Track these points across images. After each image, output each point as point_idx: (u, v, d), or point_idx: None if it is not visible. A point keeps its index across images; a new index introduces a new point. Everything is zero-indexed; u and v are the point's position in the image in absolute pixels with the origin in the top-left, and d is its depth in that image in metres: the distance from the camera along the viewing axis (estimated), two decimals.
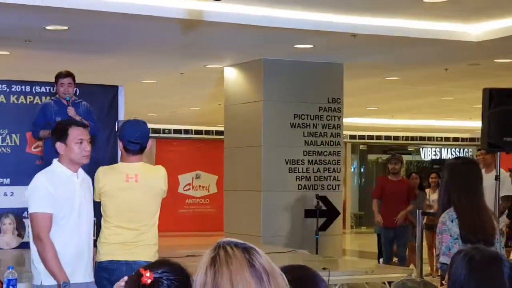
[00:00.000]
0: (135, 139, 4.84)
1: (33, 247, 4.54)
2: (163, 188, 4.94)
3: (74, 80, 7.35)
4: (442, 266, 4.38)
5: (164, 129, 19.66)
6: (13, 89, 8.22)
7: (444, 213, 4.39)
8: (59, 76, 7.33)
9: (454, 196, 4.38)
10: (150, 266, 2.31)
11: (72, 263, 4.50)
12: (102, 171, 4.93)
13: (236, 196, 10.32)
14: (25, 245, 4.75)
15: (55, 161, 4.56)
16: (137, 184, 4.83)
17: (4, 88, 8.19)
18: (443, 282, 4.63)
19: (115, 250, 4.78)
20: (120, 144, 4.90)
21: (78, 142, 4.51)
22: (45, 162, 7.30)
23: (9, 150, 8.06)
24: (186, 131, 19.99)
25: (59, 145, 4.52)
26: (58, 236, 4.42)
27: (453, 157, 22.17)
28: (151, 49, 9.48)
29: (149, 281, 2.24)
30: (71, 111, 7.19)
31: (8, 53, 9.58)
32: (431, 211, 9.98)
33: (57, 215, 4.44)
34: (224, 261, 1.87)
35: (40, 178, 4.50)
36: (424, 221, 9.57)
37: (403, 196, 9.93)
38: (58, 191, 4.44)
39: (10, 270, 4.09)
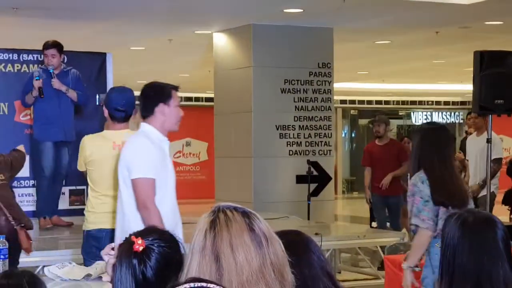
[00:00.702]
0: (121, 107, 4.79)
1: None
2: None
3: (60, 50, 7.28)
4: (412, 227, 4.41)
5: None
6: (0, 58, 8.13)
7: (415, 175, 4.41)
8: (43, 46, 7.29)
9: (426, 162, 4.39)
10: (140, 233, 2.29)
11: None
12: (89, 139, 4.91)
13: (227, 163, 10.30)
14: None
15: (146, 125, 4.27)
16: None
17: None
18: (411, 243, 4.66)
19: (103, 218, 4.78)
20: (105, 111, 4.85)
21: (178, 105, 4.34)
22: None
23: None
24: None
25: (162, 107, 4.23)
26: (158, 205, 4.18)
27: (444, 121, 22.27)
28: (139, 15, 9.39)
29: (141, 248, 2.22)
30: (55, 83, 7.19)
31: None
32: None
33: (156, 182, 4.20)
34: (224, 224, 1.85)
35: (144, 142, 4.22)
36: None
37: (393, 160, 9.05)
38: (157, 157, 4.24)
39: (1, 239, 4.07)
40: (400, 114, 22.85)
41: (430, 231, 4.26)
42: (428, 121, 21.14)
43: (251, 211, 1.92)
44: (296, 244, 2.37)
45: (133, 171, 4.15)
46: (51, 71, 7.20)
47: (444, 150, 4.44)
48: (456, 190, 4.36)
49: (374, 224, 9.83)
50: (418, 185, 4.36)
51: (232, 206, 1.91)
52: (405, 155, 8.98)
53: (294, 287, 1.90)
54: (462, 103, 22.15)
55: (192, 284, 1.43)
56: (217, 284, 1.46)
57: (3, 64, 8.13)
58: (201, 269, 1.81)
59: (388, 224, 9.18)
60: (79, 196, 7.92)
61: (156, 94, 4.30)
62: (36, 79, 7.15)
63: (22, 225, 5.23)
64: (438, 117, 22.82)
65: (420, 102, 22.41)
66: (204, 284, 1.44)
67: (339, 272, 7.79)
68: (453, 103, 22.60)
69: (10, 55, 8.17)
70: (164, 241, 2.28)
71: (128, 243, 2.25)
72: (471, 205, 4.48)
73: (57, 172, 7.37)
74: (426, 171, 4.36)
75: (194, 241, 1.87)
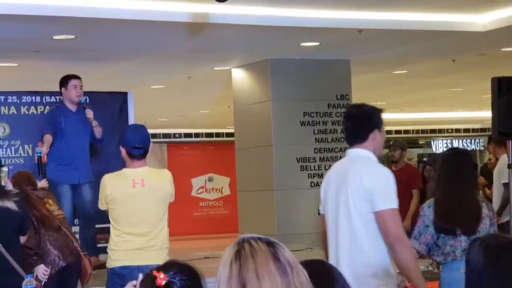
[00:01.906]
0: (138, 144, 4.84)
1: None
2: (170, 191, 4.95)
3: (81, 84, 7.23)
4: (437, 258, 4.48)
5: (174, 134, 19.68)
6: (23, 100, 8.26)
7: (427, 200, 4.48)
8: (69, 78, 7.16)
9: (438, 185, 4.44)
10: (161, 268, 2.32)
11: None
12: (108, 178, 4.94)
13: (250, 196, 10.34)
14: None
15: (365, 150, 3.95)
16: (144, 188, 4.84)
17: (14, 99, 8.23)
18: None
19: (126, 256, 4.81)
20: (123, 151, 4.88)
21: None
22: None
23: (22, 161, 8.10)
24: (197, 135, 20.01)
25: (375, 133, 3.95)
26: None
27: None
28: (158, 55, 9.51)
29: (163, 282, 2.25)
30: (89, 113, 7.04)
31: (17, 64, 9.64)
32: None
33: None
34: (250, 254, 1.89)
35: (387, 170, 3.94)
36: None
37: (404, 186, 8.57)
38: None
39: (29, 278, 4.12)
40: (420, 143, 22.79)
41: (416, 253, 4.26)
42: (450, 147, 21.08)
43: (275, 241, 1.95)
44: (321, 273, 2.40)
45: (380, 201, 3.78)
46: (82, 101, 7.06)
47: (462, 175, 4.47)
48: (460, 215, 4.37)
49: None
50: (424, 209, 4.47)
51: (256, 237, 1.94)
52: (415, 182, 8.84)
53: None
54: (482, 130, 22.06)
55: None
56: None
57: (26, 107, 8.26)
58: None
59: None
60: (104, 234, 7.95)
61: (371, 119, 4.00)
62: (81, 103, 7.03)
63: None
64: (458, 145, 22.71)
65: (440, 131, 22.35)
66: None
67: None
68: (473, 130, 22.52)
69: (33, 97, 8.30)
70: (186, 275, 2.31)
71: (150, 277, 2.28)
72: (485, 229, 4.47)
73: (83, 212, 7.21)
74: (435, 195, 4.43)
75: (220, 272, 1.90)
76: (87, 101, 7.29)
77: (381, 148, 4.03)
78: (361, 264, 3.79)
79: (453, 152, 4.76)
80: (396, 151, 8.99)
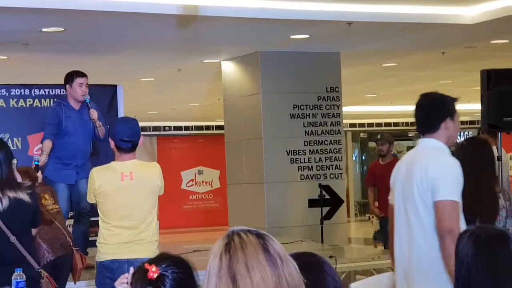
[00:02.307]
0: (127, 137, 4.82)
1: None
2: (159, 184, 4.94)
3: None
4: None
5: (164, 127, 19.66)
6: (12, 93, 8.24)
7: None
8: (75, 74, 6.96)
9: None
10: (153, 260, 2.32)
11: None
12: (97, 172, 4.94)
13: (240, 189, 10.34)
14: None
15: (435, 140, 3.91)
16: (133, 181, 4.83)
17: (3, 92, 8.21)
18: None
19: (116, 249, 4.81)
20: (112, 143, 4.87)
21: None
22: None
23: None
24: (187, 128, 19.99)
25: (448, 122, 3.91)
26: None
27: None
28: (148, 47, 9.49)
29: (155, 275, 2.25)
30: (94, 114, 6.86)
31: (5, 57, 9.59)
32: None
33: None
34: (239, 246, 1.90)
35: (454, 161, 3.87)
36: None
37: None
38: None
39: (18, 272, 4.11)
40: (410, 135, 22.83)
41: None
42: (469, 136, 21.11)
43: (265, 233, 1.96)
44: (311, 266, 2.40)
45: (441, 192, 3.75)
46: (87, 101, 6.88)
47: (481, 165, 4.46)
48: (479, 204, 4.35)
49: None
50: None
51: (246, 229, 1.95)
52: None
53: None
54: (471, 122, 22.13)
55: None
56: None
57: (15, 100, 8.23)
58: None
59: None
60: (94, 228, 7.93)
61: (443, 108, 3.97)
62: (87, 102, 6.81)
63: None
64: None
65: None
66: None
67: None
68: (462, 122, 22.58)
69: (22, 90, 8.28)
70: (178, 267, 2.31)
71: (142, 270, 2.28)
72: (502, 221, 4.47)
73: (77, 207, 7.04)
74: None
75: (210, 264, 1.91)
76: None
77: (455, 137, 4.00)
78: (426, 254, 3.77)
79: (472, 142, 4.75)
80: (384, 145, 9.18)
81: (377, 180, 9.10)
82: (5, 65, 9.97)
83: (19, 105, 8.22)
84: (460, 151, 4.57)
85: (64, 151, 6.94)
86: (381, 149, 9.13)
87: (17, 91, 8.25)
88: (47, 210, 5.63)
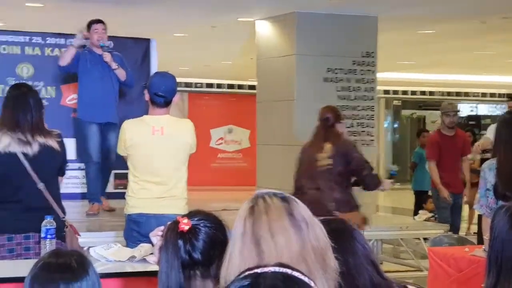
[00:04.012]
0: (160, 92, 4.79)
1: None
2: (189, 142, 4.90)
3: (106, 29, 7.32)
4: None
5: (196, 83, 19.64)
6: (47, 42, 8.24)
7: (488, 160, 4.41)
8: (91, 22, 7.28)
9: (499, 147, 4.36)
10: (186, 215, 2.33)
11: None
12: (128, 124, 4.92)
13: (269, 150, 10.31)
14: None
15: None
16: (163, 137, 4.81)
17: (39, 40, 8.22)
18: None
19: (144, 203, 4.81)
20: (146, 96, 4.87)
21: None
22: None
23: (46, 103, 8.10)
24: (219, 85, 19.94)
25: None
26: None
27: (489, 113, 21.93)
28: (183, 2, 9.42)
29: (186, 227, 2.26)
30: (107, 57, 7.13)
31: (42, 5, 9.59)
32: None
33: None
34: (263, 210, 1.86)
35: None
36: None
37: (458, 153, 8.30)
38: None
39: (48, 219, 4.12)
40: None
41: (488, 218, 4.23)
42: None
43: (290, 196, 1.93)
44: (341, 232, 2.37)
45: None
46: (102, 45, 7.14)
47: None
48: None
49: (416, 217, 9.52)
50: (485, 171, 4.39)
51: (272, 192, 1.92)
52: (468, 149, 8.40)
53: (337, 273, 1.90)
54: (508, 95, 21.82)
55: (277, 269, 1.44)
56: (301, 273, 1.46)
57: (50, 48, 8.24)
58: (243, 254, 1.82)
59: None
60: (123, 180, 7.99)
61: None
62: (101, 46, 7.13)
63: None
64: (484, 109, 22.52)
65: (466, 94, 22.11)
66: (289, 271, 1.44)
67: (381, 263, 7.75)
68: (499, 95, 22.28)
69: (57, 39, 8.29)
70: (210, 222, 2.31)
71: (174, 223, 2.29)
72: None
73: (106, 156, 7.33)
74: (497, 159, 4.35)
75: (235, 228, 1.89)
76: (111, 45, 7.26)
77: None
78: None
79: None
80: (455, 116, 8.42)
81: (440, 154, 8.21)
82: (41, 13, 9.98)
83: (54, 54, 8.23)
84: (504, 124, 4.48)
85: (92, 92, 7.21)
86: (452, 120, 8.29)
87: (53, 40, 8.26)
88: None
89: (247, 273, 1.43)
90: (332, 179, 6.11)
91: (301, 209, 1.90)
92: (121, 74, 7.23)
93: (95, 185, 7.42)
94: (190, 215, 2.34)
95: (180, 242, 2.24)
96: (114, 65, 7.17)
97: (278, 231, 1.83)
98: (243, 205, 1.91)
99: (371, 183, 6.31)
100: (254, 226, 1.84)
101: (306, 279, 1.43)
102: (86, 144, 7.32)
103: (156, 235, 2.56)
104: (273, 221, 1.84)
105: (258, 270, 1.44)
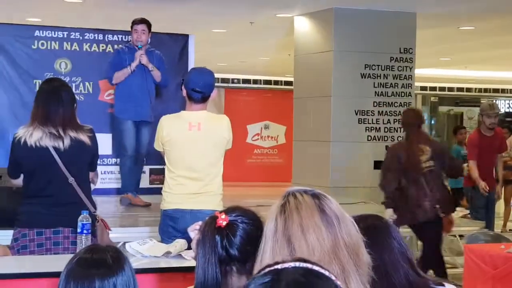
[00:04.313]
0: (198, 88, 4.79)
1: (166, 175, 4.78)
2: (226, 137, 4.88)
3: (149, 28, 7.34)
4: None
5: (233, 79, 19.66)
6: (86, 37, 8.33)
7: None
8: (133, 22, 7.36)
9: None
10: (224, 210, 2.33)
11: None
12: (166, 120, 4.92)
13: (305, 146, 10.30)
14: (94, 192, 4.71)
15: None
16: (200, 132, 4.80)
17: (77, 36, 8.30)
18: None
19: (180, 199, 4.81)
20: (184, 92, 4.86)
21: None
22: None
23: (82, 98, 8.19)
24: (255, 81, 19.94)
25: None
26: None
27: None
28: None
29: (224, 223, 2.26)
30: (144, 59, 7.23)
31: (81, 0, 9.67)
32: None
33: None
34: (294, 207, 1.86)
35: None
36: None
37: (496, 152, 8.43)
38: None
39: (84, 214, 4.16)
40: (482, 102, 22.38)
41: None
42: None
43: (321, 193, 1.92)
44: (377, 229, 2.36)
45: None
46: (139, 46, 7.24)
47: None
48: None
49: (453, 214, 9.41)
50: None
51: (302, 190, 1.92)
52: (505, 146, 8.54)
53: (370, 268, 1.89)
54: None
55: (297, 264, 1.43)
56: (322, 267, 1.45)
57: (88, 44, 8.32)
58: (275, 253, 1.81)
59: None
60: (159, 175, 8.05)
61: None
62: (139, 48, 7.23)
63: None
64: None
65: (503, 90, 21.84)
66: (309, 265, 1.44)
67: (416, 260, 7.69)
68: None
69: (96, 35, 8.37)
70: (247, 218, 2.31)
71: (211, 218, 2.29)
72: None
73: (138, 151, 7.48)
74: None
75: (266, 226, 1.89)
76: (149, 48, 7.35)
77: None
78: None
79: None
80: (497, 118, 8.28)
81: (482, 154, 8.23)
82: (80, 8, 10.06)
83: (92, 50, 8.31)
84: None
85: (129, 89, 7.32)
86: (493, 122, 8.15)
87: (91, 36, 8.34)
88: None
89: (267, 269, 1.42)
90: (434, 180, 6.53)
91: (333, 205, 1.89)
92: (157, 75, 7.35)
93: (129, 177, 7.51)
94: (228, 210, 2.34)
95: (218, 238, 2.24)
96: (150, 67, 7.27)
97: (310, 228, 1.82)
98: (275, 203, 1.91)
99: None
100: (285, 224, 1.84)
101: (326, 273, 1.43)
102: (121, 139, 7.43)
103: (194, 230, 2.56)
104: (304, 219, 1.83)
105: (279, 266, 1.43)
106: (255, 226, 2.30)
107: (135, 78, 7.28)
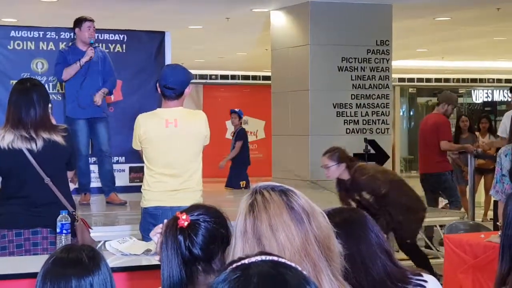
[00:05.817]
0: (169, 85, 4.77)
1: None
2: (203, 133, 4.88)
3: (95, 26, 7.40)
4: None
5: (211, 75, 19.62)
6: (62, 37, 8.27)
7: (504, 146, 4.40)
8: (84, 20, 7.36)
9: None
10: (186, 210, 2.31)
11: None
12: (142, 118, 4.91)
13: (284, 141, 10.31)
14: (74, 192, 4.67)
15: None
16: (177, 129, 4.79)
17: (53, 35, 8.26)
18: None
19: (160, 196, 4.81)
20: (158, 89, 4.86)
21: None
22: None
23: (60, 98, 8.15)
24: (233, 77, 19.91)
25: None
26: None
27: (505, 99, 21.77)
28: None
29: (185, 223, 2.24)
30: (91, 52, 7.22)
31: (55, 0, 9.61)
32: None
33: None
34: (263, 206, 1.84)
35: None
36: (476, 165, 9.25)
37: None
38: None
39: (63, 214, 4.15)
40: (460, 92, 22.49)
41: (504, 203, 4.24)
42: None
43: (289, 188, 1.91)
44: (353, 221, 2.37)
45: None
46: (91, 42, 7.26)
47: None
48: None
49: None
50: (501, 157, 4.38)
51: (270, 186, 1.89)
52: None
53: (342, 256, 1.89)
54: None
55: (263, 257, 1.43)
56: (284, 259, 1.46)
57: (64, 43, 8.23)
58: (245, 252, 1.80)
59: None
60: (139, 173, 8.02)
61: None
62: (91, 43, 7.21)
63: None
64: (498, 96, 22.38)
65: (481, 80, 21.98)
66: (275, 258, 1.44)
67: (397, 251, 7.73)
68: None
69: (72, 34, 8.26)
70: (210, 216, 2.29)
71: (173, 219, 2.27)
72: None
73: (100, 149, 7.44)
74: None
75: (236, 225, 1.87)
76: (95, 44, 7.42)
77: None
78: None
79: None
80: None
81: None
82: (55, 7, 10.00)
83: (68, 49, 8.24)
84: None
85: (77, 89, 7.29)
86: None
87: (67, 35, 8.29)
88: None
89: (234, 265, 1.42)
90: None
91: (301, 200, 1.87)
92: (100, 98, 7.31)
93: (85, 177, 7.46)
94: (189, 210, 2.32)
95: (180, 238, 2.23)
96: (86, 59, 7.23)
97: (279, 227, 1.81)
98: (242, 201, 1.89)
99: None
100: (254, 223, 1.82)
101: (293, 264, 1.43)
102: (76, 139, 7.33)
103: (156, 233, 2.54)
104: (273, 217, 1.82)
105: (245, 261, 1.42)
106: (218, 224, 2.29)
107: (82, 76, 7.25)
